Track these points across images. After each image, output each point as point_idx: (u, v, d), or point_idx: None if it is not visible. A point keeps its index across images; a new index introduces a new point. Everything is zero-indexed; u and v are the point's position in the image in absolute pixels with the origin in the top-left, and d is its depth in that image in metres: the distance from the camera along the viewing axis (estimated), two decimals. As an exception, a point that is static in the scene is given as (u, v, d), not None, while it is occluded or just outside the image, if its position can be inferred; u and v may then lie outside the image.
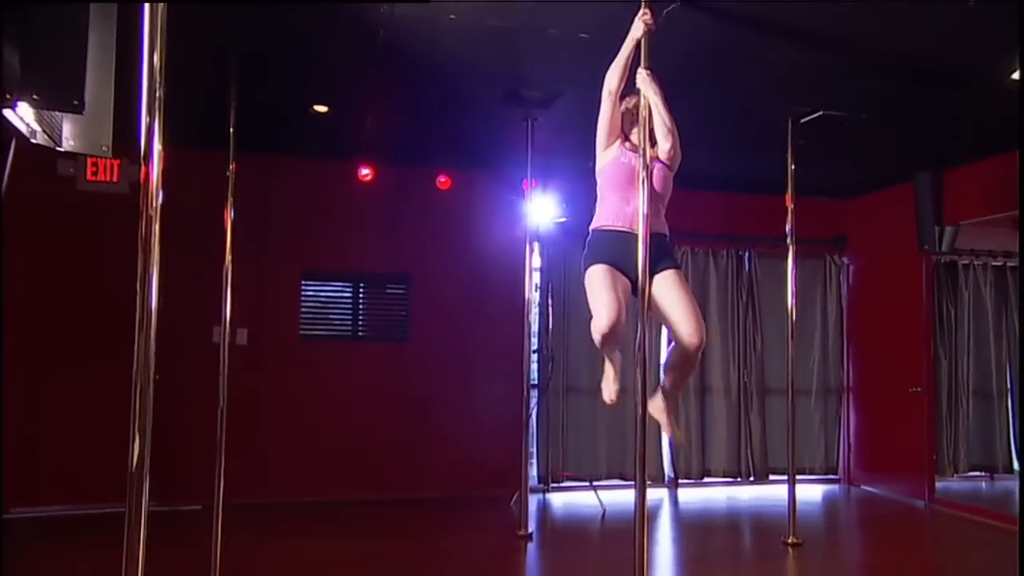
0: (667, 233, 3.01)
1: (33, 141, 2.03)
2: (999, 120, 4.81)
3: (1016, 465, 6.82)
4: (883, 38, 3.64)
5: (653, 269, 2.85)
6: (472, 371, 6.14)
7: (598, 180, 3.04)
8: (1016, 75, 3.99)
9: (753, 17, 3.42)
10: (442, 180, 6.08)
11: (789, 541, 4.73)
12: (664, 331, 6.72)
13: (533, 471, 6.16)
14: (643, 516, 2.76)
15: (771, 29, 3.54)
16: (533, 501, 5.80)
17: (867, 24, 3.48)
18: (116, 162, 4.94)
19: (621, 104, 2.97)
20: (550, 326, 6.29)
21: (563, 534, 5.46)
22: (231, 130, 3.97)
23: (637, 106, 2.90)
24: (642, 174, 2.80)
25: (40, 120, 1.94)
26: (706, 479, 6.71)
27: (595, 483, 6.08)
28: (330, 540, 4.79)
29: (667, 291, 2.93)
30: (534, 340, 6.05)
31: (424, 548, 4.66)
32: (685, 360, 3.00)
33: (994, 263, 6.86)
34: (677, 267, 3.03)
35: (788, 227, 4.90)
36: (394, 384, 6.00)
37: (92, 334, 5.21)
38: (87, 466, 5.16)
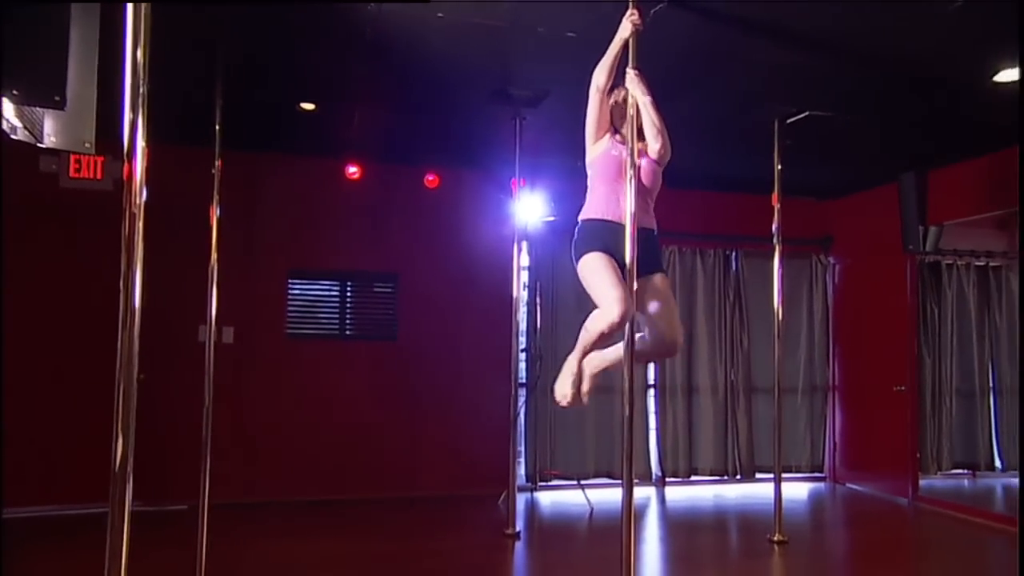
0: (655, 228, 3.01)
1: (14, 137, 2.00)
2: (983, 121, 4.86)
3: (998, 463, 6.89)
4: (869, 39, 3.66)
5: (644, 267, 2.85)
6: (460, 370, 6.13)
7: (588, 172, 3.03)
8: (998, 77, 4.03)
9: (740, 17, 3.44)
10: (430, 178, 6.06)
11: (775, 539, 4.75)
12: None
13: (521, 470, 6.16)
14: (630, 515, 2.77)
15: (758, 29, 3.55)
16: (521, 500, 5.80)
17: (853, 25, 3.50)
18: (100, 159, 4.90)
19: (610, 98, 2.97)
20: (538, 325, 6.29)
21: (551, 533, 5.46)
22: (217, 127, 3.94)
23: (626, 100, 2.91)
24: (629, 172, 2.81)
25: (21, 116, 1.91)
26: (693, 478, 6.74)
27: (583, 482, 6.09)
28: (317, 540, 4.77)
29: (658, 294, 2.94)
30: (522, 339, 6.04)
31: (412, 547, 4.64)
32: (649, 356, 3.07)
33: (977, 263, 6.92)
34: (664, 270, 3.06)
35: (774, 227, 4.92)
36: (382, 383, 5.98)
37: (76, 333, 5.16)
38: (72, 466, 5.11)
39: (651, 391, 6.71)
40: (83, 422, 4.98)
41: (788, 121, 4.77)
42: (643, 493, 6.35)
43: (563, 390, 3.01)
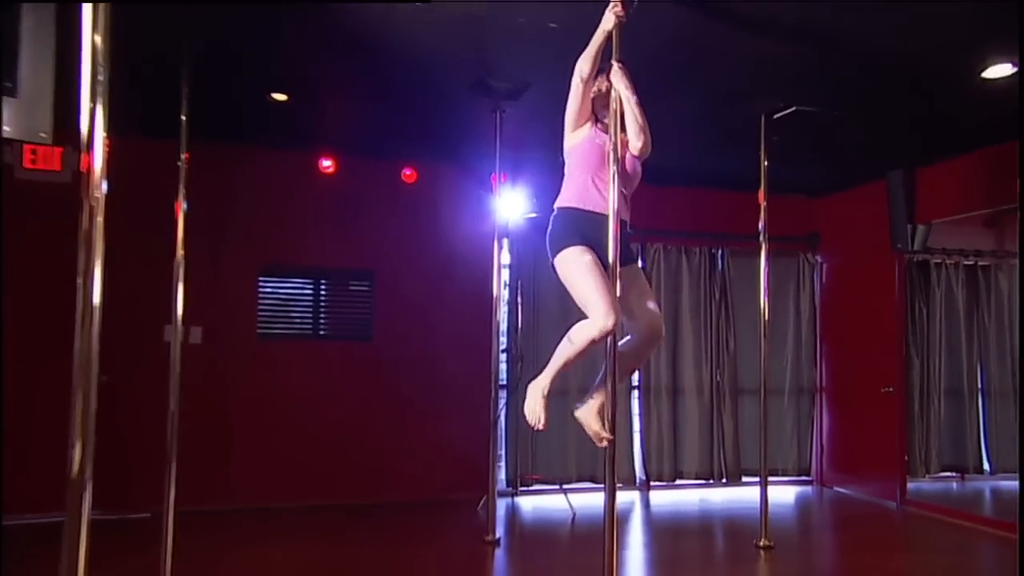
0: (629, 222, 3.01)
1: (-35, 127, 1.96)
2: (971, 118, 4.93)
3: (987, 466, 6.99)
4: (856, 33, 3.69)
5: (622, 259, 2.85)
6: (438, 371, 6.11)
7: (567, 160, 3.02)
8: (987, 73, 4.09)
9: (726, 10, 3.45)
10: (407, 173, 6.04)
11: (761, 544, 4.79)
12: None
13: (501, 474, 6.17)
14: (613, 520, 2.77)
15: (744, 22, 3.57)
16: (501, 505, 5.80)
17: (840, 19, 3.53)
18: (58, 150, 4.82)
19: (592, 87, 2.97)
20: (519, 325, 6.29)
21: (532, 539, 5.47)
22: (183, 117, 3.89)
23: (608, 91, 2.91)
24: (613, 169, 2.81)
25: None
26: (678, 481, 6.77)
27: (565, 486, 6.10)
28: (287, 548, 4.73)
29: (636, 284, 2.95)
30: (503, 339, 6.04)
31: (388, 555, 4.62)
32: (642, 352, 3.04)
33: (966, 262, 7.02)
34: (636, 260, 3.09)
35: (761, 224, 4.95)
36: (357, 385, 5.95)
37: (32, 331, 5.07)
38: (27, 473, 5.02)
39: (635, 392, 6.73)
40: (39, 426, 4.89)
41: (774, 116, 4.80)
42: (627, 497, 6.37)
43: (536, 412, 2.94)
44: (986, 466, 6.99)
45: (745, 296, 6.76)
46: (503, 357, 6.16)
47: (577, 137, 2.97)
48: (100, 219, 1.76)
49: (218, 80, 4.39)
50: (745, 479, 6.82)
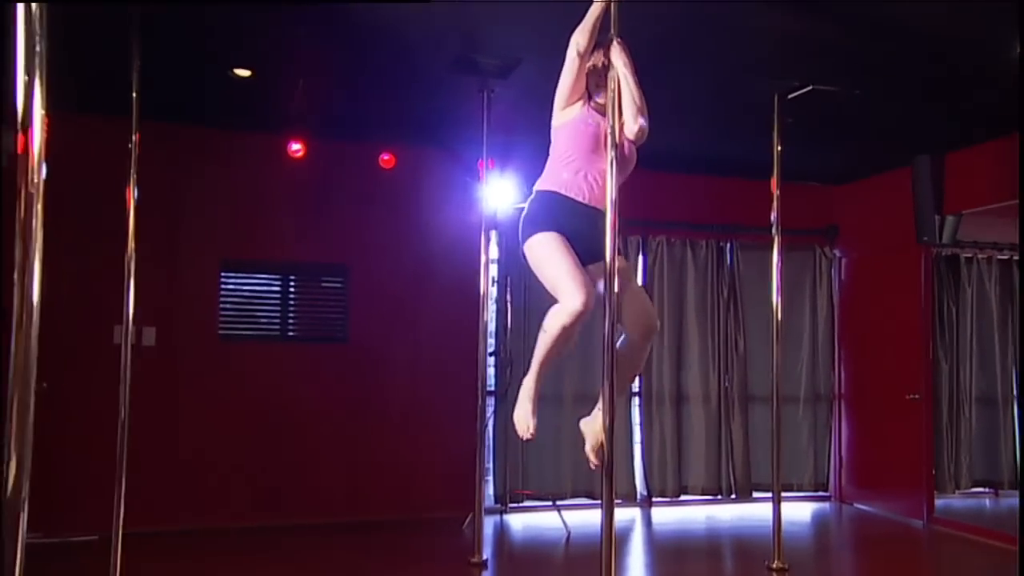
0: None
1: None
2: (1006, 98, 4.93)
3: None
4: (879, 3, 3.69)
5: (601, 252, 2.85)
6: (420, 377, 6.11)
7: (553, 138, 3.01)
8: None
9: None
10: (385, 158, 6.01)
11: (774, 566, 4.80)
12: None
13: (489, 490, 6.16)
14: (611, 539, 2.77)
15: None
16: (489, 524, 5.79)
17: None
18: (-12, 130, 4.77)
19: (588, 61, 2.96)
20: (509, 326, 6.29)
21: (522, 561, 5.47)
22: (134, 94, 3.85)
23: (605, 66, 2.91)
24: (611, 154, 2.81)
25: None
26: (683, 497, 6.79)
27: (559, 503, 6.10)
28: (253, 573, 4.71)
29: (624, 278, 2.92)
30: (491, 341, 6.03)
31: (362, 580, 4.62)
32: (637, 355, 3.01)
33: (999, 256, 7.05)
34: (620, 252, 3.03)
35: (774, 215, 4.97)
36: (330, 391, 5.94)
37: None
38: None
39: (635, 400, 6.75)
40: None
41: (789, 96, 4.81)
42: (626, 515, 6.38)
43: (525, 420, 2.93)
44: (1021, 480, 7.03)
45: (756, 294, 6.77)
46: (491, 361, 6.15)
47: (568, 115, 2.96)
48: (39, 207, 1.74)
49: (174, 52, 4.36)
50: (756, 495, 6.84)
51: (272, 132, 5.72)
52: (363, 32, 4.10)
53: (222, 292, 5.89)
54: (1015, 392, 7.08)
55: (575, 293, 2.69)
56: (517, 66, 4.46)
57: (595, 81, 2.97)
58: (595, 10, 2.86)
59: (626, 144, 2.96)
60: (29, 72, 1.68)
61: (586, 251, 2.83)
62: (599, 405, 2.97)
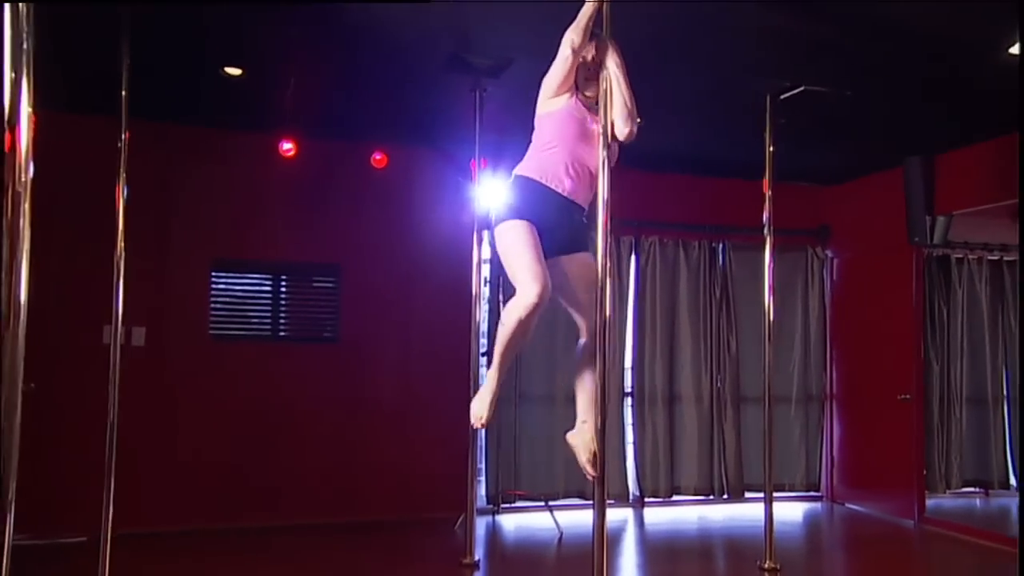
0: (586, 208, 3.00)
1: None
2: (997, 99, 4.95)
3: (1013, 480, 7.05)
4: (871, 5, 3.70)
5: (571, 245, 2.88)
6: (412, 376, 6.10)
7: (537, 126, 3.01)
8: (1015, 49, 4.12)
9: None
10: (377, 157, 6.00)
11: (766, 566, 4.81)
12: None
13: (481, 490, 6.15)
14: (603, 539, 2.77)
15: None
16: (481, 524, 5.78)
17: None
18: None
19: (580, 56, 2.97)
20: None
21: (515, 561, 5.47)
22: (123, 92, 3.83)
23: (595, 60, 2.92)
24: (602, 154, 2.81)
25: None
26: (675, 497, 6.80)
27: (551, 503, 6.10)
28: (246, 574, 4.69)
29: (584, 275, 2.91)
30: (483, 341, 6.02)
31: (353, 581, 4.60)
32: (591, 360, 2.93)
33: (990, 257, 7.08)
34: (587, 249, 3.00)
35: (765, 216, 4.97)
36: (322, 392, 5.92)
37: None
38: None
39: (628, 400, 6.75)
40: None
41: (781, 97, 4.81)
42: (619, 515, 6.38)
43: (479, 410, 2.97)
44: (1012, 480, 7.06)
45: (748, 294, 6.79)
46: (483, 361, 6.14)
47: (554, 104, 2.96)
48: (26, 206, 1.72)
49: (164, 50, 4.34)
50: (748, 495, 6.85)
51: (263, 131, 5.72)
52: (355, 31, 4.09)
53: (213, 292, 5.86)
54: (1006, 393, 7.12)
55: (531, 286, 2.70)
56: (509, 66, 4.45)
57: (584, 75, 2.97)
58: (588, 9, 2.87)
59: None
60: (16, 70, 1.67)
61: (557, 242, 2.85)
62: (581, 417, 2.98)
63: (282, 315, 6.17)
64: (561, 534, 5.69)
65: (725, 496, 6.88)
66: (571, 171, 2.88)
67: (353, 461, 5.94)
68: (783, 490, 6.86)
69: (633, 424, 6.75)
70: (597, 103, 2.94)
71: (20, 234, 1.70)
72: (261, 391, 5.80)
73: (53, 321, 4.91)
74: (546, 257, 2.81)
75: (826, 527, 6.63)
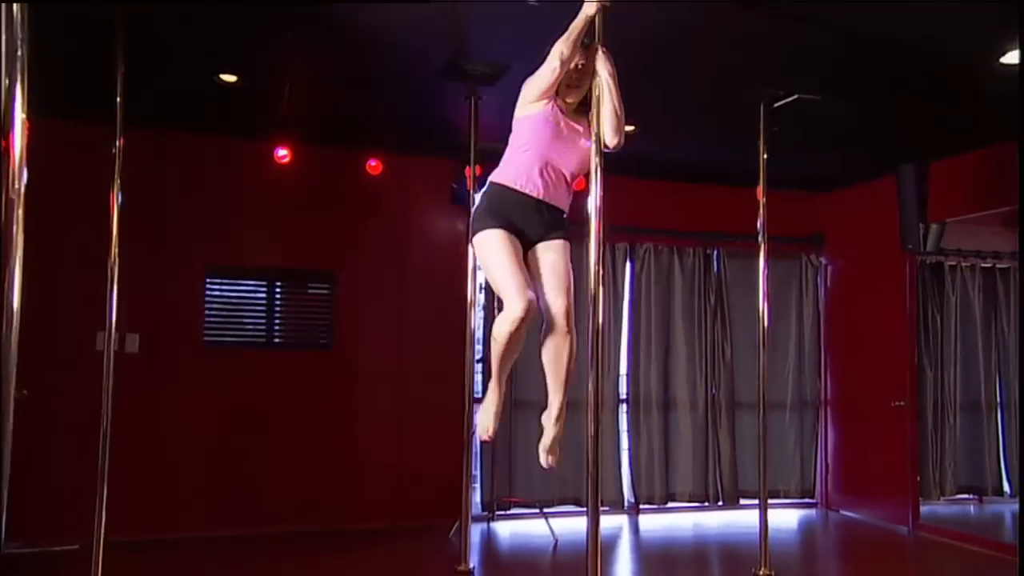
0: (565, 210, 3.00)
1: None
2: (988, 108, 4.99)
3: (1007, 487, 7.06)
4: (863, 13, 3.72)
5: (544, 234, 2.89)
6: (407, 383, 6.09)
7: (514, 129, 3.02)
8: (1005, 59, 4.14)
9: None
10: (373, 164, 6.00)
11: (761, 573, 4.79)
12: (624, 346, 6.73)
13: (476, 497, 6.15)
14: (597, 546, 2.76)
15: (741, 3, 3.59)
16: (476, 531, 5.78)
17: (846, 1, 3.56)
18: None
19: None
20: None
21: (510, 568, 5.46)
22: (118, 99, 3.83)
23: (580, 67, 2.93)
24: (594, 161, 2.82)
25: None
26: (670, 504, 6.79)
27: (546, 510, 6.09)
28: (237, 581, 4.68)
29: (545, 259, 2.90)
30: (478, 348, 6.01)
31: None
32: (558, 352, 2.90)
33: (983, 265, 7.10)
34: (568, 238, 2.98)
35: (760, 223, 4.98)
36: (316, 398, 5.91)
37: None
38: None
39: (622, 407, 6.75)
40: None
41: (775, 105, 4.83)
42: (614, 522, 6.38)
43: (484, 423, 3.03)
44: (1006, 487, 7.06)
45: (743, 301, 6.80)
46: (478, 368, 6.14)
47: (532, 108, 2.97)
48: (19, 212, 1.72)
49: (159, 57, 4.34)
50: (743, 502, 6.85)
51: (259, 138, 5.71)
52: (351, 38, 4.10)
53: (207, 298, 5.85)
54: (999, 399, 7.13)
55: (516, 300, 2.73)
56: (505, 73, 4.46)
57: (566, 81, 2.98)
58: (578, 25, 2.87)
59: (583, 144, 2.96)
60: (10, 75, 1.66)
61: (531, 239, 2.88)
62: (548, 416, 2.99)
63: (276, 322, 6.16)
64: (556, 541, 5.68)
65: (720, 503, 6.88)
66: (544, 174, 2.90)
67: (348, 468, 5.93)
68: (778, 497, 6.86)
69: (628, 431, 6.74)
70: (577, 109, 2.99)
71: (13, 241, 1.70)
72: (255, 398, 5.78)
73: (46, 328, 4.89)
74: (524, 252, 2.86)
75: (821, 534, 6.63)
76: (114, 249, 3.82)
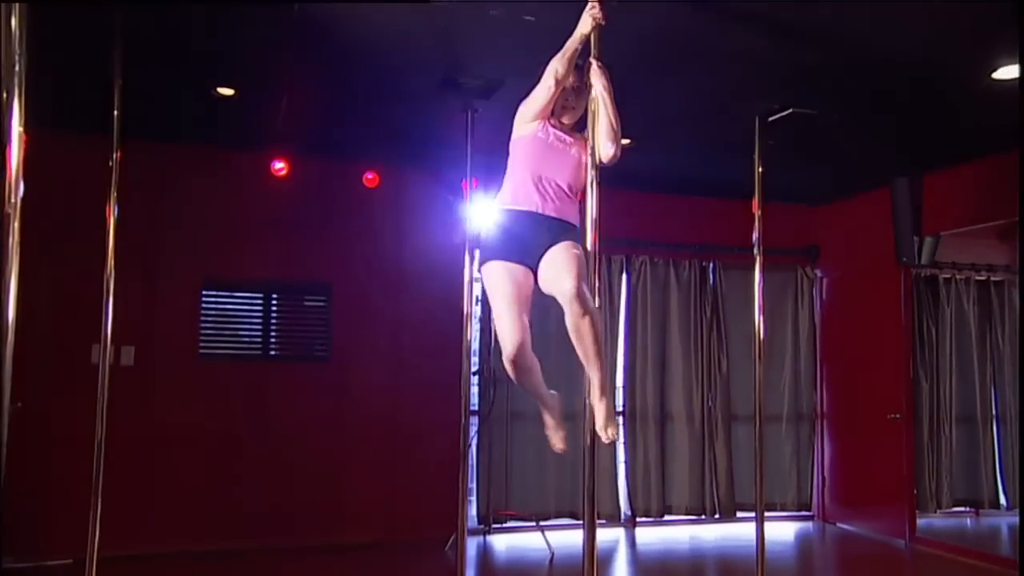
0: (574, 223, 2.98)
1: None
2: (982, 121, 5.02)
3: (1003, 500, 7.05)
4: (858, 30, 3.74)
5: (551, 244, 2.88)
6: (403, 396, 6.07)
7: (511, 151, 3.07)
8: (998, 74, 4.17)
9: (717, 4, 3.49)
10: (369, 177, 6.01)
11: (757, 586, 4.79)
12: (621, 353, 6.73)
13: (472, 510, 6.13)
14: (593, 560, 2.75)
15: (736, 18, 3.61)
16: (472, 544, 5.76)
17: (840, 16, 3.58)
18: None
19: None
20: (492, 344, 6.27)
21: (505, 583, 5.43)
22: (116, 112, 3.84)
23: (574, 87, 2.97)
24: (591, 174, 2.83)
25: None
26: (667, 517, 6.78)
27: (542, 523, 6.07)
28: (232, 595, 4.65)
29: (552, 261, 2.85)
30: (474, 360, 6.02)
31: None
32: (578, 333, 2.78)
33: (977, 277, 7.11)
34: (576, 240, 2.91)
35: (755, 236, 4.99)
36: (312, 411, 5.89)
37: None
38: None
39: (619, 419, 6.73)
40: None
41: (770, 119, 4.84)
42: (610, 535, 6.36)
43: (555, 442, 3.35)
44: (1003, 500, 7.04)
45: (739, 313, 6.81)
46: (474, 380, 6.13)
47: (526, 130, 3.02)
48: (16, 225, 1.72)
49: (157, 70, 4.35)
50: (740, 514, 6.84)
51: (255, 150, 5.72)
52: (347, 52, 4.11)
53: (203, 311, 5.85)
54: (995, 412, 7.13)
55: (506, 342, 2.89)
56: (500, 87, 4.48)
57: (562, 102, 3.01)
58: (574, 42, 2.89)
59: (576, 155, 2.98)
60: (7, 89, 1.66)
61: (543, 249, 2.88)
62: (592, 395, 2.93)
63: (273, 334, 6.14)
64: (552, 554, 5.66)
65: (717, 516, 6.87)
66: (540, 188, 2.93)
67: (344, 481, 5.90)
68: (775, 509, 6.85)
69: (624, 443, 6.73)
70: (572, 128, 3.04)
71: (9, 254, 1.69)
72: (251, 411, 5.77)
73: (41, 340, 4.88)
74: (534, 265, 2.89)
75: (818, 547, 6.62)
76: (110, 261, 3.82)
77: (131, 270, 4.85)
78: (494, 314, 2.95)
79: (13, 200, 1.70)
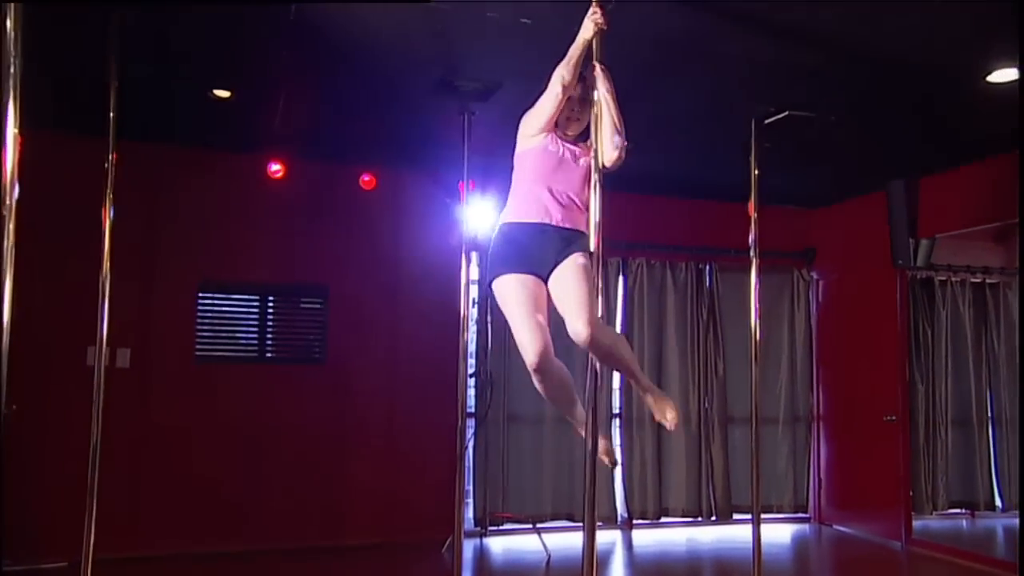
0: (585, 232, 2.96)
1: None
2: (978, 124, 5.03)
3: (999, 501, 7.06)
4: (854, 33, 3.75)
5: (561, 255, 2.88)
6: (399, 398, 6.07)
7: (516, 165, 3.05)
8: (992, 77, 4.18)
9: (713, 7, 3.49)
10: (366, 179, 6.01)
11: (754, 588, 4.78)
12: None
13: (468, 512, 6.11)
14: (592, 562, 2.74)
15: (732, 20, 3.62)
16: (468, 547, 5.74)
17: (836, 17, 3.58)
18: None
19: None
20: (489, 346, 6.26)
21: (501, 585, 5.42)
22: (111, 113, 3.82)
23: (578, 97, 2.97)
24: (594, 177, 2.82)
25: None
26: (663, 519, 6.77)
27: (539, 525, 6.06)
28: (227, 598, 4.64)
29: (560, 282, 2.87)
30: (471, 362, 6.01)
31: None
32: (607, 358, 2.87)
33: (973, 280, 7.13)
34: (585, 250, 2.90)
35: (751, 238, 4.99)
36: (308, 413, 5.88)
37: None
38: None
39: (616, 422, 6.73)
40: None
41: (766, 121, 4.84)
42: (607, 537, 6.35)
43: (600, 452, 2.95)
44: (998, 502, 7.06)
45: (735, 316, 6.81)
46: (471, 382, 6.12)
47: (532, 142, 3.00)
48: (11, 227, 1.71)
49: (152, 72, 4.33)
50: (736, 516, 6.84)
51: (252, 152, 5.71)
52: (344, 54, 4.11)
53: (199, 313, 5.83)
54: (990, 414, 7.14)
55: (528, 352, 2.83)
56: (497, 89, 4.48)
57: (567, 113, 3.00)
58: (577, 48, 2.88)
59: (584, 164, 2.98)
60: (3, 90, 1.66)
61: (554, 260, 2.88)
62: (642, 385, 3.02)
63: (269, 336, 6.13)
64: (549, 557, 5.65)
65: (713, 518, 6.86)
66: (554, 201, 2.92)
67: (340, 483, 5.89)
68: (771, 511, 6.86)
69: (621, 446, 6.72)
70: (578, 139, 3.02)
71: (5, 255, 1.69)
72: (247, 413, 5.75)
73: (36, 342, 4.86)
74: (545, 276, 2.88)
75: (814, 549, 6.61)
76: (106, 263, 3.80)
77: (127, 272, 4.83)
78: (512, 325, 2.89)
79: (8, 202, 1.70)
